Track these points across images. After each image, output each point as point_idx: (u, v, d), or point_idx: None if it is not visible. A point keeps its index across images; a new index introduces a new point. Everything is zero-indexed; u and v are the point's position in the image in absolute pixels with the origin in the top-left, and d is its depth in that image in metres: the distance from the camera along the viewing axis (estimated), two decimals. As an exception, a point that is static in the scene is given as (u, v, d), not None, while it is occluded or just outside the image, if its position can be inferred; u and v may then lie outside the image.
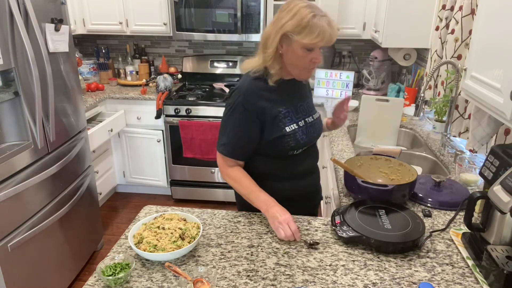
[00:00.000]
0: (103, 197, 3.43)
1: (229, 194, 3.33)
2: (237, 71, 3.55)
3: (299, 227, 1.35)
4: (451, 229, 1.35)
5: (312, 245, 1.26)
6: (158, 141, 3.29)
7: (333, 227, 1.32)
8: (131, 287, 1.09)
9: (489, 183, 1.27)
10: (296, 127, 1.42)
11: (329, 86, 3.22)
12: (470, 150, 1.78)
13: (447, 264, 1.18)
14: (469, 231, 1.25)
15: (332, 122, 1.71)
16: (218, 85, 3.52)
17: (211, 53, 3.69)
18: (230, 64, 3.57)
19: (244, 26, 3.13)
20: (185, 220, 1.30)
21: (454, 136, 2.13)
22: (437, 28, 2.41)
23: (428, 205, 1.50)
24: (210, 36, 3.21)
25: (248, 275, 1.13)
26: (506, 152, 1.25)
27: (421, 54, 2.94)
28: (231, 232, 1.34)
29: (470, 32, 1.98)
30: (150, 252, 1.15)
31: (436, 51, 2.35)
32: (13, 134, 1.95)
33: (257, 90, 1.37)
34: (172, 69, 3.62)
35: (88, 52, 3.82)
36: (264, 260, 1.20)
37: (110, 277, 1.07)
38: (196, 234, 1.23)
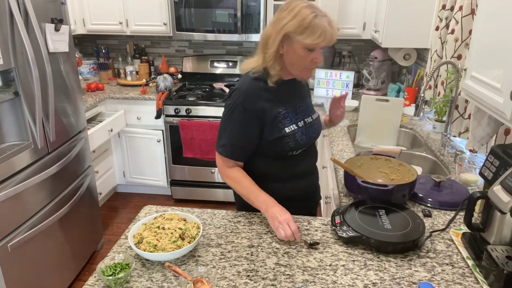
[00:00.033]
0: (103, 197, 3.43)
1: (229, 194, 3.33)
2: (237, 71, 3.55)
3: (299, 227, 1.35)
4: (451, 229, 1.35)
5: (312, 245, 1.26)
6: (158, 141, 3.29)
7: (333, 227, 1.32)
8: (131, 287, 1.09)
9: (489, 183, 1.27)
10: (296, 127, 1.42)
11: (329, 86, 3.22)
12: (470, 150, 1.78)
13: (447, 264, 1.18)
14: (469, 231, 1.24)
15: (329, 119, 1.70)
16: (218, 85, 3.52)
17: (211, 53, 3.69)
18: (230, 64, 3.57)
19: (244, 26, 3.13)
20: (185, 220, 1.30)
21: (454, 136, 2.13)
22: (437, 28, 2.41)
23: (428, 205, 1.50)
24: (210, 36, 3.21)
25: (248, 275, 1.13)
26: (506, 152, 1.25)
27: (421, 54, 2.94)
28: (231, 232, 1.34)
29: (470, 32, 1.98)
30: (150, 252, 1.15)
31: (436, 51, 2.35)
32: (13, 134, 1.96)
33: (257, 91, 1.36)
34: (172, 69, 3.62)
35: (88, 52, 3.82)
36: (264, 260, 1.20)
37: (110, 277, 1.07)
38: (196, 234, 1.23)
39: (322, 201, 2.82)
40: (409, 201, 1.54)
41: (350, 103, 2.85)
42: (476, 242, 1.20)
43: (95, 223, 2.71)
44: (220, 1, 3.07)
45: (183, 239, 1.21)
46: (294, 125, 1.41)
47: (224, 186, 3.32)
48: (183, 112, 3.13)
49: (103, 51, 3.69)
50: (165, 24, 3.27)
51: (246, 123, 1.36)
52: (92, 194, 2.66)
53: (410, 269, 1.16)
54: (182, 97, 3.21)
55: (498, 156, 1.26)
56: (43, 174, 2.08)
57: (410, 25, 2.60)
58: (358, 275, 1.13)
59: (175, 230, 1.22)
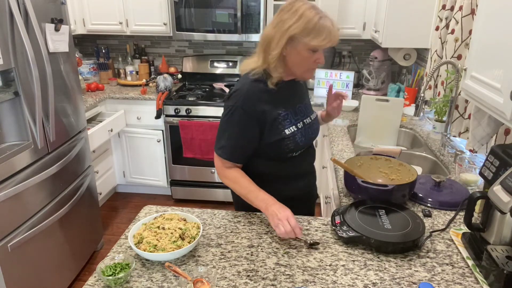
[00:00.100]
0: (103, 197, 3.43)
1: (229, 194, 3.30)
2: (237, 71, 3.55)
3: (300, 224, 1.35)
4: (451, 229, 1.35)
5: (312, 245, 1.26)
6: (158, 141, 3.29)
7: (333, 227, 1.32)
8: (131, 287, 1.09)
9: (489, 183, 1.27)
10: (295, 129, 1.41)
11: (328, 86, 3.22)
12: (470, 150, 1.78)
13: (447, 264, 1.18)
14: (469, 231, 1.24)
15: (326, 112, 1.69)
16: (218, 85, 3.52)
17: (211, 53, 3.69)
18: (230, 64, 3.57)
19: (244, 26, 3.13)
20: (185, 220, 1.30)
21: (454, 136, 2.13)
22: (437, 28, 2.41)
23: (428, 205, 1.50)
24: (210, 36, 3.21)
25: (248, 275, 1.13)
26: (506, 152, 1.25)
27: (421, 54, 2.94)
28: (231, 232, 1.34)
29: (470, 32, 1.98)
30: (150, 252, 1.15)
31: (436, 51, 2.35)
32: (13, 134, 1.96)
33: (257, 93, 1.36)
34: (172, 69, 3.62)
35: (88, 52, 3.82)
36: (264, 260, 1.20)
37: (110, 277, 1.07)
38: (196, 234, 1.23)
39: (322, 201, 2.82)
40: (409, 201, 1.54)
41: (350, 103, 2.85)
42: (476, 242, 1.20)
43: (95, 223, 2.71)
44: (220, 1, 3.07)
45: (183, 239, 1.21)
46: (293, 126, 1.41)
47: (224, 186, 3.28)
48: (183, 112, 3.13)
49: (103, 51, 3.69)
50: (165, 24, 3.27)
51: (246, 125, 1.36)
52: (92, 194, 2.66)
53: (410, 269, 1.16)
54: (182, 97, 3.21)
55: (498, 156, 1.26)
56: (43, 174, 2.08)
57: (410, 25, 2.60)
58: (358, 275, 1.13)
59: (175, 230, 1.22)
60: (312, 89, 3.28)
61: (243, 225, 1.38)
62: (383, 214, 1.34)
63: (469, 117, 1.90)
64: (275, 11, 3.03)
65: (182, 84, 3.61)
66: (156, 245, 1.17)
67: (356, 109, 2.82)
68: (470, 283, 1.11)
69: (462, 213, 1.44)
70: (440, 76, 2.30)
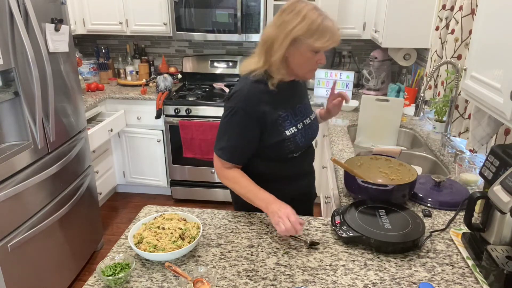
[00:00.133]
0: (103, 197, 3.43)
1: (229, 194, 3.31)
2: (237, 71, 3.55)
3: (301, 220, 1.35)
4: (451, 229, 1.35)
5: (312, 245, 1.26)
6: (158, 141, 3.29)
7: (333, 227, 1.32)
8: (131, 287, 1.09)
9: (489, 183, 1.27)
10: (296, 130, 1.41)
11: (329, 86, 3.22)
12: (470, 150, 1.78)
13: (447, 264, 1.18)
14: (469, 231, 1.24)
15: (327, 109, 1.69)
16: (218, 85, 3.52)
17: (211, 53, 3.69)
18: (230, 64, 3.57)
19: (244, 26, 3.13)
20: (185, 220, 1.30)
21: (454, 136, 2.13)
22: (437, 28, 2.41)
23: (428, 205, 1.50)
24: (210, 36, 3.21)
25: (248, 275, 1.13)
26: (506, 152, 1.25)
27: (421, 54, 2.94)
28: (231, 232, 1.34)
29: (470, 32, 1.98)
30: (150, 252, 1.15)
31: (436, 51, 2.35)
32: (13, 134, 1.95)
33: (258, 94, 1.35)
34: (172, 69, 3.62)
35: (88, 52, 3.82)
36: (264, 260, 1.20)
37: (110, 277, 1.07)
38: (196, 234, 1.23)
39: (322, 201, 2.82)
40: (409, 201, 1.54)
41: (350, 103, 2.85)
42: (476, 242, 1.20)
43: (95, 223, 2.71)
44: (220, 1, 3.07)
45: (183, 239, 1.21)
46: (294, 127, 1.41)
47: (224, 186, 3.29)
48: (183, 112, 3.13)
49: (103, 51, 3.69)
50: (165, 24, 3.27)
51: (246, 126, 1.36)
52: (92, 194, 2.66)
53: (410, 269, 1.16)
54: (182, 97, 3.21)
55: (498, 156, 1.26)
56: (43, 174, 2.08)
57: (410, 25, 2.60)
58: (358, 275, 1.13)
59: (175, 230, 1.22)
60: (312, 89, 3.28)
61: (243, 225, 1.38)
62: (383, 214, 1.34)
63: (469, 117, 1.90)
64: (275, 11, 3.03)
65: (182, 84, 3.61)
66: (156, 245, 1.17)
67: (356, 109, 2.82)
68: (470, 283, 1.11)
69: (462, 213, 1.44)
70: (440, 76, 2.30)
